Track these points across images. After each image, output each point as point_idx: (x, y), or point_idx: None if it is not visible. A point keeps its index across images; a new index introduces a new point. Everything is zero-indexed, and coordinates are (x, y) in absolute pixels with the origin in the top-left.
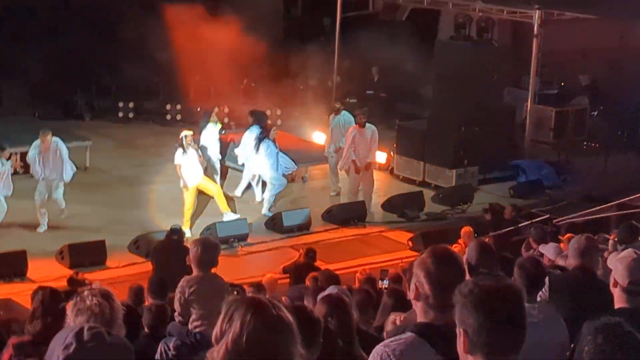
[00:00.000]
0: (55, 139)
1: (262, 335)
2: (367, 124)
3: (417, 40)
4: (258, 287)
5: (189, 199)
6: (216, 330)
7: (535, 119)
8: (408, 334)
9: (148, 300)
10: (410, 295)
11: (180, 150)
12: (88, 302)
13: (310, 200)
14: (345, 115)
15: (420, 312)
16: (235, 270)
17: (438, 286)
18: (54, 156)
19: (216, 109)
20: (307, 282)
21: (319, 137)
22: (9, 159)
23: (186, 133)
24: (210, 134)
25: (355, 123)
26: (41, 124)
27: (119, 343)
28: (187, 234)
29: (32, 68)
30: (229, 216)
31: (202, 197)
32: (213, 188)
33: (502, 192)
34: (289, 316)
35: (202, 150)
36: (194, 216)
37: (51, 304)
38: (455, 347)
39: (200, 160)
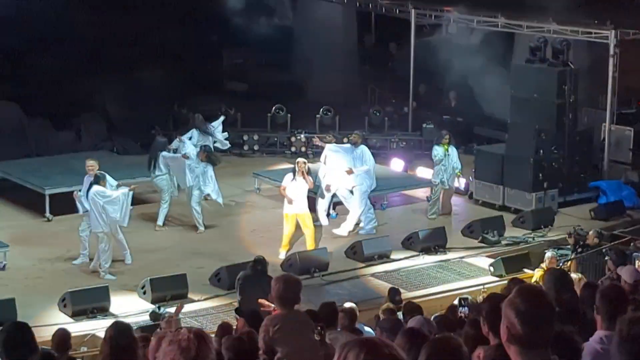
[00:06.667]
0: None
1: None
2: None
3: (493, 64)
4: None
5: (289, 227)
6: None
7: (613, 139)
8: None
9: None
10: (503, 337)
11: (290, 174)
12: (180, 336)
13: (390, 227)
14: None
15: (515, 356)
16: (317, 301)
17: (531, 324)
18: None
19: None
20: (381, 314)
21: (396, 164)
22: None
23: (301, 160)
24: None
25: None
26: (120, 159)
27: None
28: (282, 255)
29: (109, 104)
30: None
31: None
32: (310, 226)
33: (583, 214)
34: (401, 355)
35: None
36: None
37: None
38: None
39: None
